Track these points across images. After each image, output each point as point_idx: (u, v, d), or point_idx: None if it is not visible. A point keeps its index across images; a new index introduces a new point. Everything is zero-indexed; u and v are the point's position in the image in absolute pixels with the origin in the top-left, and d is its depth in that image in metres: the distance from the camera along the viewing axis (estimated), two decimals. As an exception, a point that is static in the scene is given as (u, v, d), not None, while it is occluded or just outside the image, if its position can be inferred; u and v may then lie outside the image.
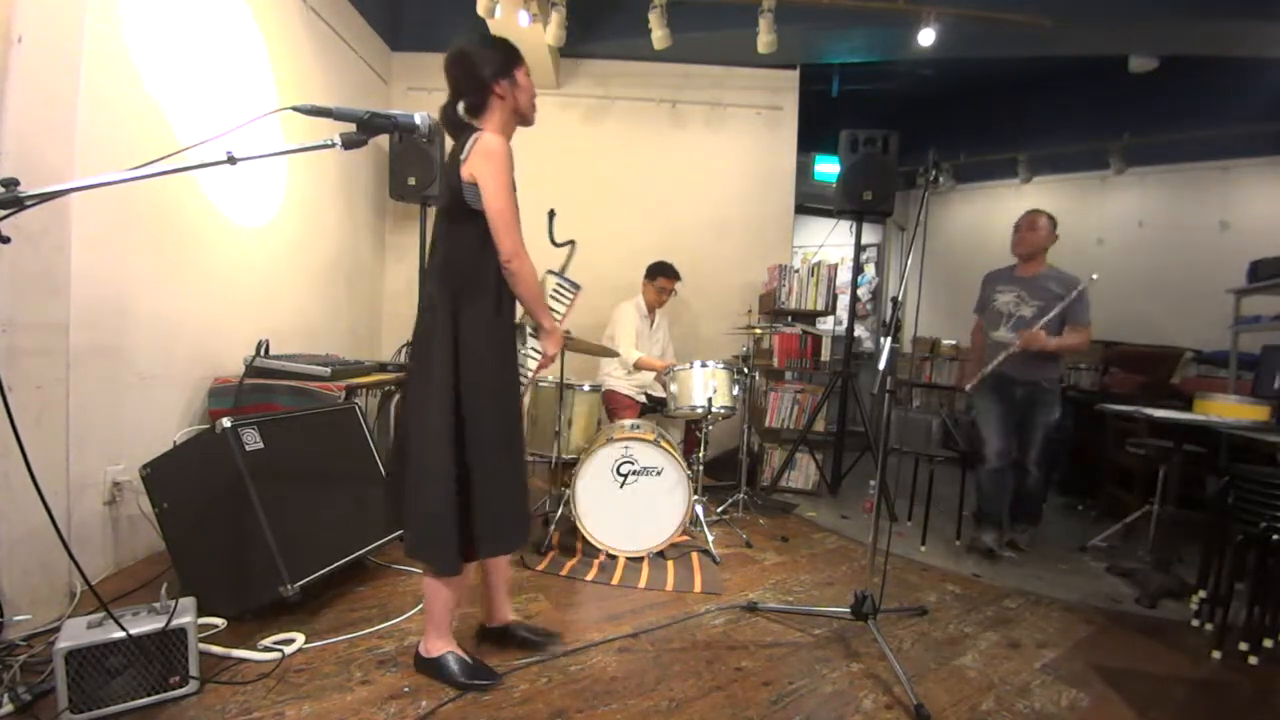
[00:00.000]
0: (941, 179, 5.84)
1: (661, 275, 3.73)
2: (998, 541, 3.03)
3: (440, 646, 1.71)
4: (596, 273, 4.52)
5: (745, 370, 3.33)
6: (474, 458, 1.58)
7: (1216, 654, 2.11)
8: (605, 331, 3.73)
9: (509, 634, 1.92)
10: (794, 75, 4.67)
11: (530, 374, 1.83)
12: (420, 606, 1.97)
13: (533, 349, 1.82)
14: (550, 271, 1.91)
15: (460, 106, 1.65)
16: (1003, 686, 1.86)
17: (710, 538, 2.79)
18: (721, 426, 3.99)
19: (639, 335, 3.67)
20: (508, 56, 1.64)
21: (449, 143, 1.76)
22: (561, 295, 1.89)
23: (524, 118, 1.71)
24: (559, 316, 1.87)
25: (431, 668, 1.70)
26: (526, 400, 3.63)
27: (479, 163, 1.54)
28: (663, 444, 2.73)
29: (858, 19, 3.89)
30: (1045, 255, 3.09)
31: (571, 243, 1.94)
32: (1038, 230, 3.06)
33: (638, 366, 3.57)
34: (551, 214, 1.76)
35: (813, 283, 3.98)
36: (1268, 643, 2.07)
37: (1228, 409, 2.90)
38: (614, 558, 2.68)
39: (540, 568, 2.55)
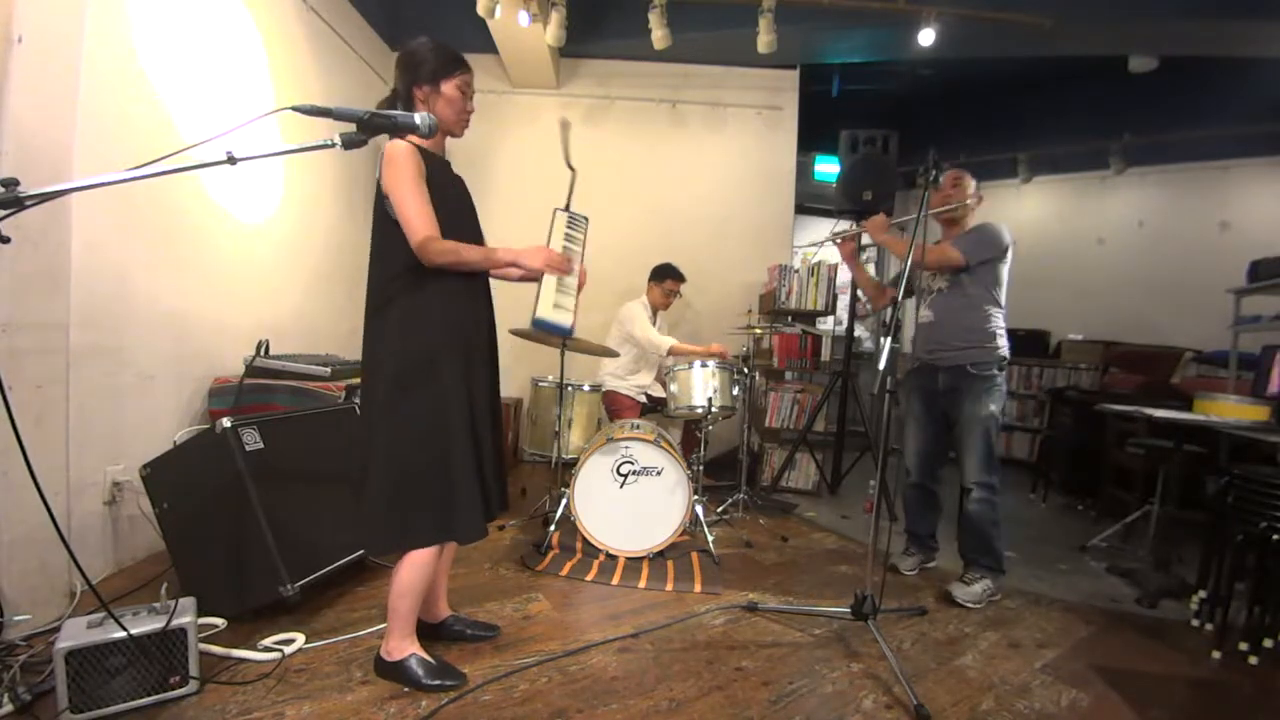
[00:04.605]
0: (941, 179, 5.85)
1: (670, 277, 3.73)
2: (913, 565, 2.74)
3: (406, 648, 1.68)
4: (596, 274, 4.53)
5: (745, 370, 3.33)
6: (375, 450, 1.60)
7: (1216, 654, 2.11)
8: (611, 332, 3.69)
9: (447, 629, 1.93)
10: (794, 75, 4.67)
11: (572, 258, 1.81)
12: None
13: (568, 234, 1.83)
14: (557, 209, 1.90)
15: (398, 107, 1.66)
16: (1003, 686, 1.86)
17: (710, 538, 2.78)
18: (721, 426, 3.99)
19: None
20: (439, 64, 1.64)
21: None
22: (575, 233, 1.88)
23: (447, 129, 1.68)
24: (577, 251, 1.85)
25: (394, 672, 1.67)
26: (526, 401, 3.64)
27: (384, 172, 1.55)
28: (663, 444, 2.73)
29: (858, 19, 3.89)
30: (967, 218, 2.62)
31: (571, 170, 1.94)
32: (959, 188, 2.61)
33: (672, 353, 3.46)
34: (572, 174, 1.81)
35: (813, 283, 3.98)
36: (1268, 643, 2.07)
37: (1228, 409, 2.90)
38: (614, 558, 2.68)
39: (540, 568, 2.55)
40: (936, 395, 2.61)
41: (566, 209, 1.93)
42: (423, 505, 1.59)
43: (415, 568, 1.63)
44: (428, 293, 1.60)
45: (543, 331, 1.80)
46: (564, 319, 1.78)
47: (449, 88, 1.65)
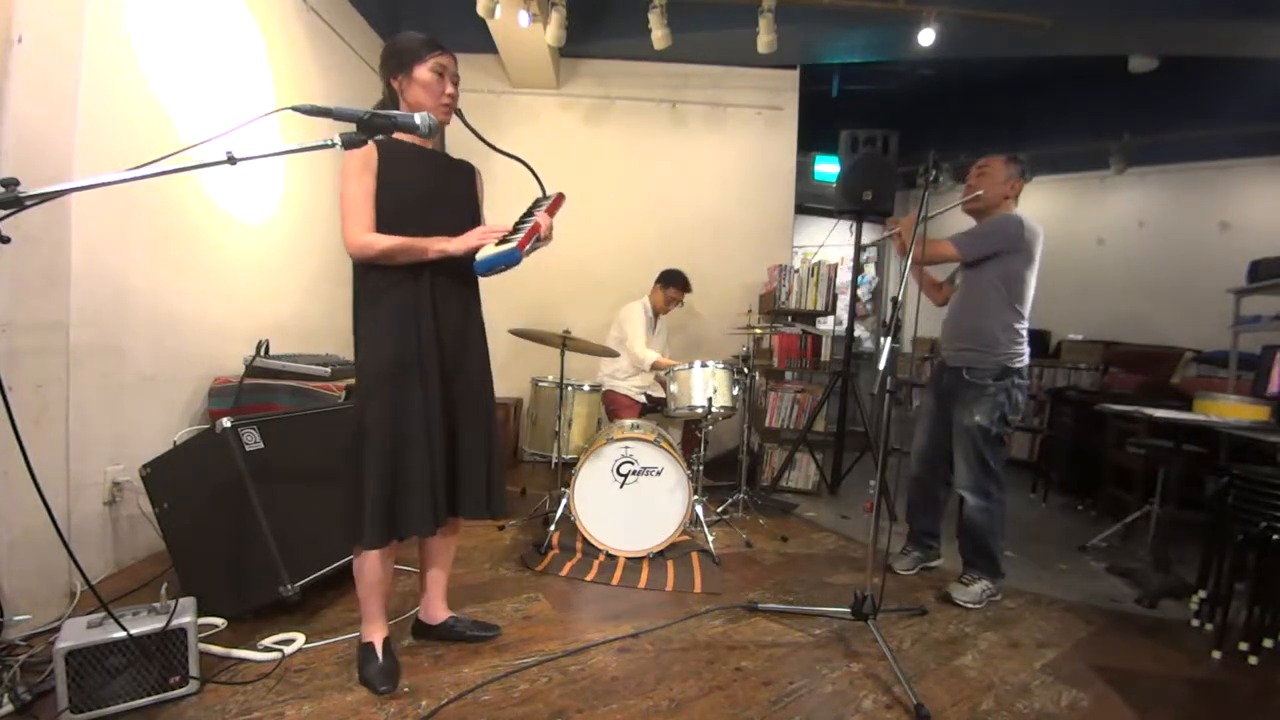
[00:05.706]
0: (941, 179, 5.86)
1: (674, 285, 3.73)
2: (910, 564, 2.70)
3: (367, 633, 1.75)
4: (596, 275, 4.55)
5: (745, 370, 3.33)
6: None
7: (1216, 654, 2.11)
8: (611, 333, 3.70)
9: (448, 630, 1.94)
10: (794, 75, 4.67)
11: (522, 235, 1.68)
12: (418, 608, 1.97)
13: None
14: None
15: (388, 106, 1.67)
16: (1003, 686, 1.86)
17: (710, 538, 2.78)
18: (721, 426, 3.99)
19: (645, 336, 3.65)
20: (411, 50, 1.63)
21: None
22: (533, 209, 1.83)
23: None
24: (538, 212, 1.78)
25: (358, 654, 1.74)
26: (526, 400, 3.63)
27: None
28: (663, 444, 2.73)
29: (858, 19, 3.89)
30: (997, 208, 2.47)
31: (517, 158, 1.92)
32: (983, 177, 2.47)
33: (654, 367, 3.51)
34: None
35: (813, 283, 3.98)
36: (1268, 643, 2.07)
37: (1228, 409, 2.90)
38: (614, 558, 2.68)
39: (540, 568, 2.55)
40: (944, 394, 2.56)
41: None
42: (349, 508, 1.64)
43: (359, 560, 1.70)
44: (382, 301, 1.66)
45: (490, 270, 1.65)
46: (505, 248, 1.63)
47: (421, 71, 1.63)
